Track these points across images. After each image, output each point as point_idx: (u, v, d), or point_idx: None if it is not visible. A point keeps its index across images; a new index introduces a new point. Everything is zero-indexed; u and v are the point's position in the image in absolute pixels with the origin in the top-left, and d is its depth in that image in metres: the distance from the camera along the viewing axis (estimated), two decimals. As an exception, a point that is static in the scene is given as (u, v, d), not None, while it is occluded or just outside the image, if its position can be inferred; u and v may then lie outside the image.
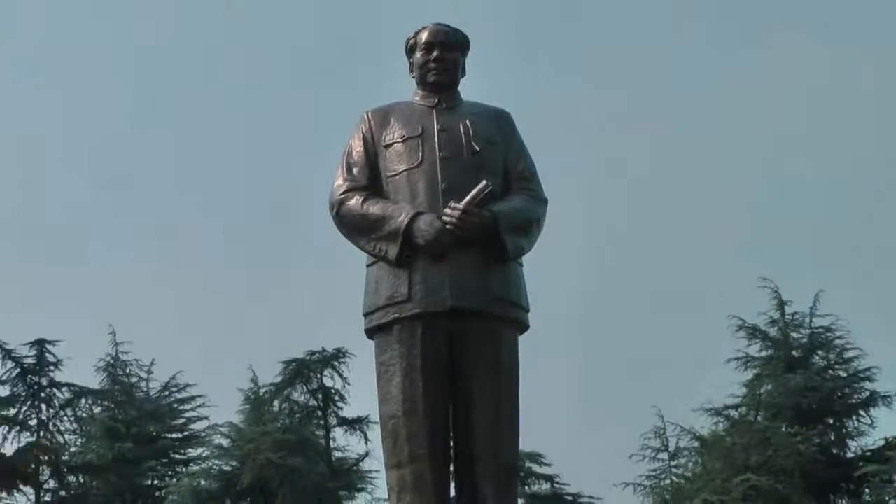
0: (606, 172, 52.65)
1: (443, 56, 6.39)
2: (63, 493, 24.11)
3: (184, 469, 25.24)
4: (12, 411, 23.58)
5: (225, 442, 23.75)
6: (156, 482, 25.38)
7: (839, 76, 50.98)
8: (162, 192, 52.73)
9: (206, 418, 26.09)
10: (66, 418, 24.56)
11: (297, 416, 23.35)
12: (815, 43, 52.36)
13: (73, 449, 24.93)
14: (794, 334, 24.89)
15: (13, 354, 23.58)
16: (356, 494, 23.44)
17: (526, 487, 23.86)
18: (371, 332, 6.15)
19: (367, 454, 23.06)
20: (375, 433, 19.97)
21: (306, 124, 51.67)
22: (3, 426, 23.30)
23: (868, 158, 49.78)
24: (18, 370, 23.69)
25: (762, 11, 51.15)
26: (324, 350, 23.15)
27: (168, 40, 55.92)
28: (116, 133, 54.11)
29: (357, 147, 6.31)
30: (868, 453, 23.63)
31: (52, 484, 23.97)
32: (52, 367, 24.11)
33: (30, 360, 23.85)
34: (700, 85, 50.45)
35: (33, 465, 23.17)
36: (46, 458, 23.44)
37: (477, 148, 6.17)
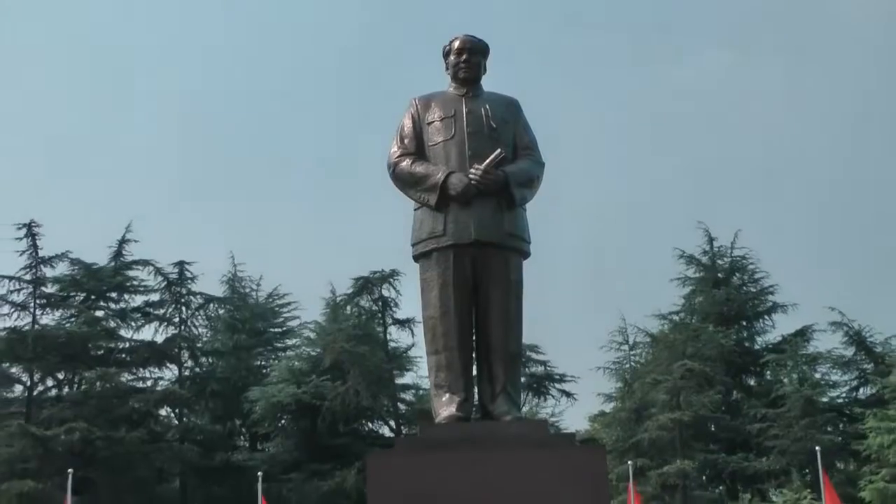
0: (596, 145, 52.61)
1: (469, 59, 6.33)
2: (197, 370, 24.48)
3: (282, 354, 25.46)
4: (161, 311, 23.92)
5: (312, 335, 23.94)
6: (262, 363, 25.64)
7: (751, 77, 50.81)
8: (277, 146, 52.85)
9: (299, 318, 26.37)
10: (199, 317, 24.87)
11: (363, 317, 23.44)
12: (734, 57, 52.00)
13: (204, 339, 25.18)
14: (719, 261, 24.93)
15: (162, 272, 23.97)
16: (405, 373, 23.61)
17: (526, 369, 23.95)
18: (416, 258, 6.13)
19: (413, 345, 23.21)
20: (419, 330, 19.99)
21: (382, 104, 51.89)
22: (155, 322, 23.68)
23: (777, 138, 49.45)
24: (165, 283, 24.03)
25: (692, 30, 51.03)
26: (383, 270, 23.21)
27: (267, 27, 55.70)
28: (247, 88, 53.99)
29: (407, 124, 6.28)
30: (770, 346, 23.80)
31: (189, 363, 24.34)
32: (189, 281, 24.40)
33: (174, 276, 24.14)
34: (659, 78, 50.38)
35: (176, 350, 23.51)
36: (185, 345, 23.79)
37: (494, 125, 6.13)
